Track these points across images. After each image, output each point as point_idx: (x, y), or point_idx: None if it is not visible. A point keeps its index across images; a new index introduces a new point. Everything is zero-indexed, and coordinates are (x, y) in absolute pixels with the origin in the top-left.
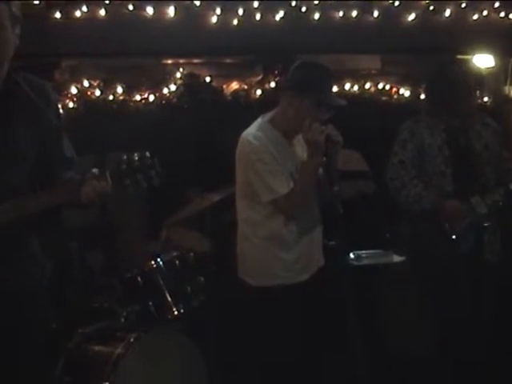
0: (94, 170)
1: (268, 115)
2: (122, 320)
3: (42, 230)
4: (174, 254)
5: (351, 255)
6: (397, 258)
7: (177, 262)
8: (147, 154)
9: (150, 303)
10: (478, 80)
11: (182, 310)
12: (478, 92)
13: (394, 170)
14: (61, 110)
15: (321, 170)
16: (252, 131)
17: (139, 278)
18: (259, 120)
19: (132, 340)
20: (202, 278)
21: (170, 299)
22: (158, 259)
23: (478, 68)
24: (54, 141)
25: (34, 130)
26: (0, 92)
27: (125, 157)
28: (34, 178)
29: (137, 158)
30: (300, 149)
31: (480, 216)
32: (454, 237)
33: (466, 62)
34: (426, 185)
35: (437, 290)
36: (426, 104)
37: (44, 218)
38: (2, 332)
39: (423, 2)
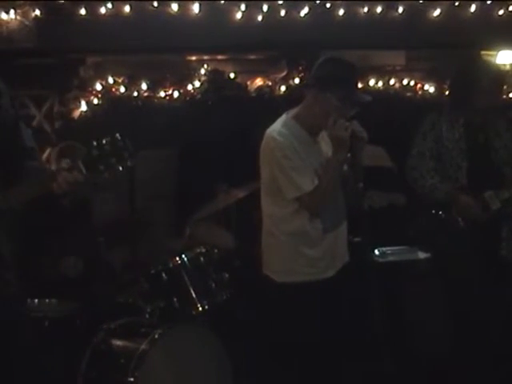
0: (65, 161)
1: (292, 112)
2: (147, 316)
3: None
4: (199, 250)
5: (376, 252)
6: (422, 255)
7: (201, 258)
8: (117, 136)
9: (175, 299)
10: (502, 77)
11: (206, 306)
12: (503, 88)
13: (413, 161)
14: (85, 107)
15: (346, 167)
16: (277, 128)
17: (164, 274)
18: (284, 116)
19: (156, 336)
20: (227, 275)
21: (194, 295)
22: (183, 255)
23: (503, 65)
24: (10, 131)
25: None
26: None
27: (94, 143)
28: None
29: (107, 142)
30: (325, 145)
31: (493, 212)
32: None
33: (490, 58)
34: (442, 177)
35: (450, 286)
36: (448, 98)
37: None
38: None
39: None
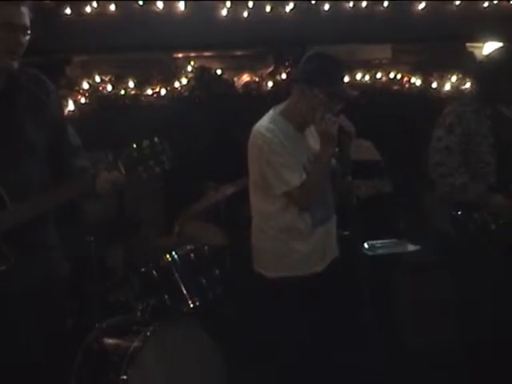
0: (107, 161)
1: (280, 107)
2: (139, 314)
3: (61, 224)
4: (189, 247)
5: (365, 245)
6: (411, 247)
7: (192, 255)
8: (156, 139)
9: (166, 297)
10: None
11: (197, 303)
12: None
13: (440, 156)
14: (72, 106)
15: (334, 161)
16: (264, 123)
17: (155, 272)
18: (271, 112)
19: (148, 333)
20: (218, 271)
21: (185, 292)
22: (173, 253)
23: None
24: (59, 130)
25: (40, 122)
26: (5, 89)
27: (134, 145)
28: (47, 170)
29: (147, 145)
30: (312, 140)
31: None
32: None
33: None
34: (471, 174)
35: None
36: (474, 88)
37: (64, 212)
38: (22, 326)
39: None
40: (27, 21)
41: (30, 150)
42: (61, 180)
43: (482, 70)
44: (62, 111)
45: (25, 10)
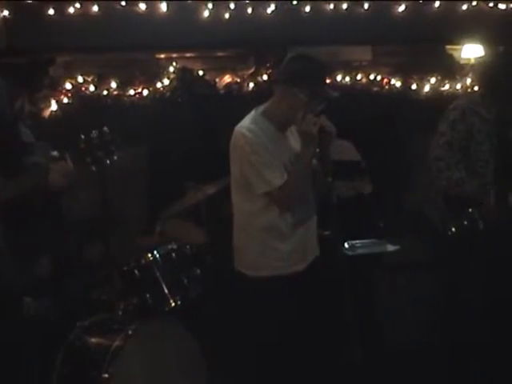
0: (53, 153)
1: (261, 108)
2: (120, 312)
3: (43, 222)
4: (171, 246)
5: (346, 245)
6: (391, 247)
7: (173, 254)
8: (105, 129)
9: (148, 295)
10: None
11: (179, 302)
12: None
13: (440, 151)
14: (55, 106)
15: (314, 161)
16: (246, 124)
17: (136, 271)
18: (252, 113)
19: (130, 332)
20: (199, 270)
21: (167, 291)
22: (155, 252)
23: (467, 59)
24: (8, 127)
25: None
26: None
27: (82, 136)
28: None
29: (95, 136)
30: (293, 140)
31: None
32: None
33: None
34: (469, 171)
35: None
36: (481, 87)
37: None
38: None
39: None
40: None
41: None
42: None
43: (490, 71)
44: (11, 108)
45: None
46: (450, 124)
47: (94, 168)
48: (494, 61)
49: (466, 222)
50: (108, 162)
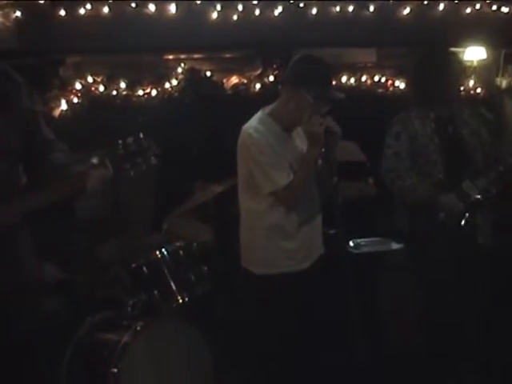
0: (94, 159)
1: (268, 108)
2: (129, 309)
3: (53, 221)
4: (178, 244)
5: (350, 243)
6: (395, 246)
7: (181, 252)
8: (141, 136)
9: (156, 292)
10: (463, 68)
11: (186, 299)
12: (468, 81)
13: (389, 162)
14: (65, 106)
15: (320, 161)
16: (253, 124)
17: (145, 268)
18: (259, 113)
19: (138, 328)
20: (206, 267)
21: (174, 288)
22: (163, 249)
23: (470, 61)
24: (31, 124)
25: (11, 118)
26: None
27: (120, 142)
28: (20, 166)
29: (132, 142)
30: (299, 141)
31: (473, 200)
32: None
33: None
34: (419, 175)
35: (434, 280)
36: (413, 94)
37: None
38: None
39: None
40: None
41: (2, 148)
42: (37, 175)
43: (418, 75)
44: (33, 105)
45: None
46: (394, 136)
47: (131, 173)
48: (423, 60)
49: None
50: (145, 167)
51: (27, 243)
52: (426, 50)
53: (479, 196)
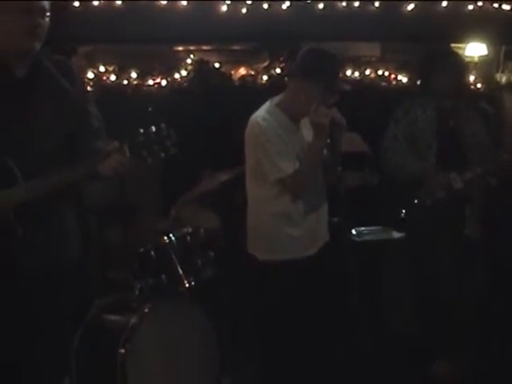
0: (114, 143)
1: (276, 99)
2: (137, 292)
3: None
4: (186, 230)
5: (353, 231)
6: (396, 234)
7: (188, 237)
8: (163, 125)
9: (163, 276)
10: (463, 64)
11: (192, 283)
12: (471, 79)
13: (387, 143)
14: None
15: (325, 151)
16: (261, 114)
17: (153, 253)
18: (267, 103)
19: (146, 310)
20: (212, 253)
21: (181, 272)
22: (171, 235)
23: (471, 57)
24: (81, 115)
25: (61, 107)
26: (28, 73)
27: (141, 130)
28: (63, 152)
29: (153, 131)
30: (306, 131)
31: (456, 191)
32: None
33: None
34: (413, 155)
35: (419, 264)
36: (418, 86)
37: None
38: (35, 304)
39: None
40: (46, 3)
41: (48, 133)
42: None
43: (423, 68)
44: (85, 94)
45: None
46: (394, 121)
47: (149, 161)
48: (424, 60)
49: (415, 201)
50: (163, 155)
51: (72, 218)
52: (434, 47)
53: (461, 188)
